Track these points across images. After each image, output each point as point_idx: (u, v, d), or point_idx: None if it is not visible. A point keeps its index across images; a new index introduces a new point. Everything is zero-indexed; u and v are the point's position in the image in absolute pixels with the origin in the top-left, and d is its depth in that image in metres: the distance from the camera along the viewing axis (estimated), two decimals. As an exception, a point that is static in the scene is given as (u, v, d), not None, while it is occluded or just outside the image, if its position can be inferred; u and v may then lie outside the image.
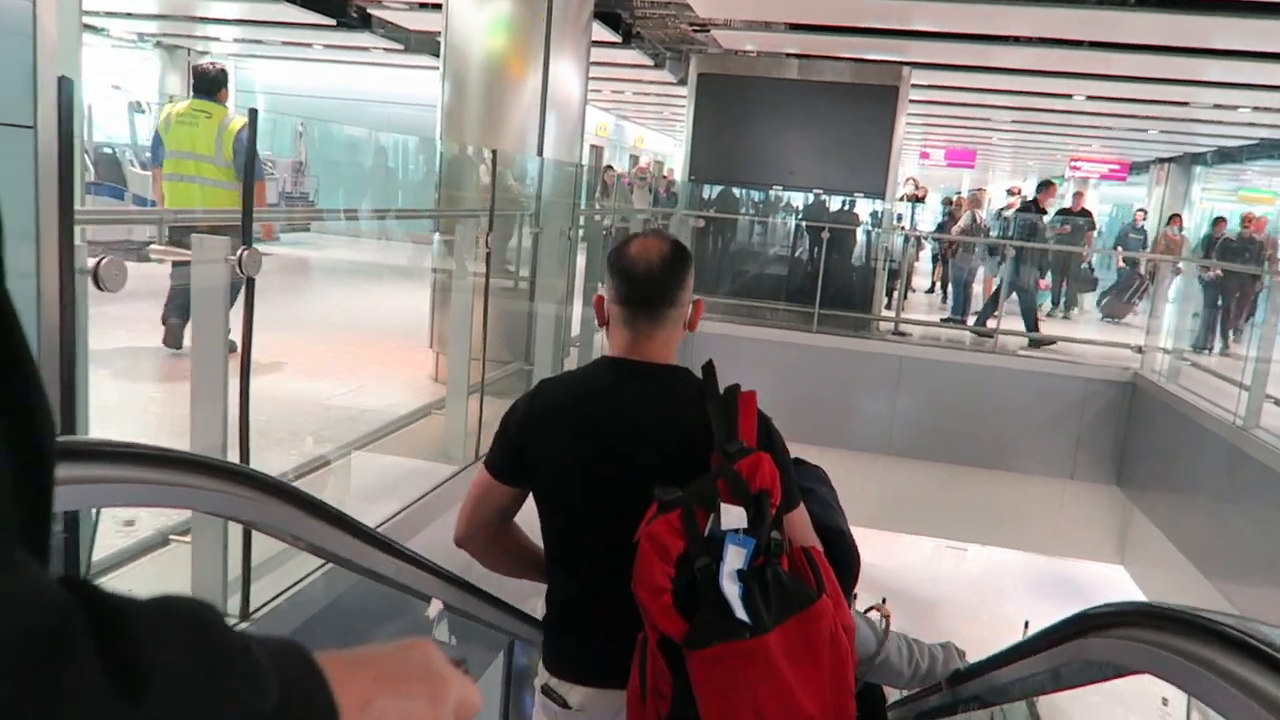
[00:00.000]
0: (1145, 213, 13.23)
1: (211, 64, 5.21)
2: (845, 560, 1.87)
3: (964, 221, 11.22)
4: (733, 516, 1.47)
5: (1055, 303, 11.98)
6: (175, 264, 4.45)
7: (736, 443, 1.56)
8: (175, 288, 4.40)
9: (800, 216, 10.40)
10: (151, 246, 2.32)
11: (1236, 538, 6.15)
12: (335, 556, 1.95)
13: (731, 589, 1.43)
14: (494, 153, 3.66)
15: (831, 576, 1.58)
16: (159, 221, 3.23)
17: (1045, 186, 9.65)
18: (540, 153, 4.95)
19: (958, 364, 8.49)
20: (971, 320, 9.81)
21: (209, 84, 4.88)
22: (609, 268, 1.72)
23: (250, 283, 2.22)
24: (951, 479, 8.74)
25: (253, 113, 2.33)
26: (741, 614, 1.42)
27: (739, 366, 8.77)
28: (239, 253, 2.16)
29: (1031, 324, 9.23)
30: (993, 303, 9.31)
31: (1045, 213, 9.78)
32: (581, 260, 5.69)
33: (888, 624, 2.13)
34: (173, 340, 4.44)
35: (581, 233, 5.84)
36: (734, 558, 1.44)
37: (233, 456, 2.28)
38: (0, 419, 0.38)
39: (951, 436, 8.49)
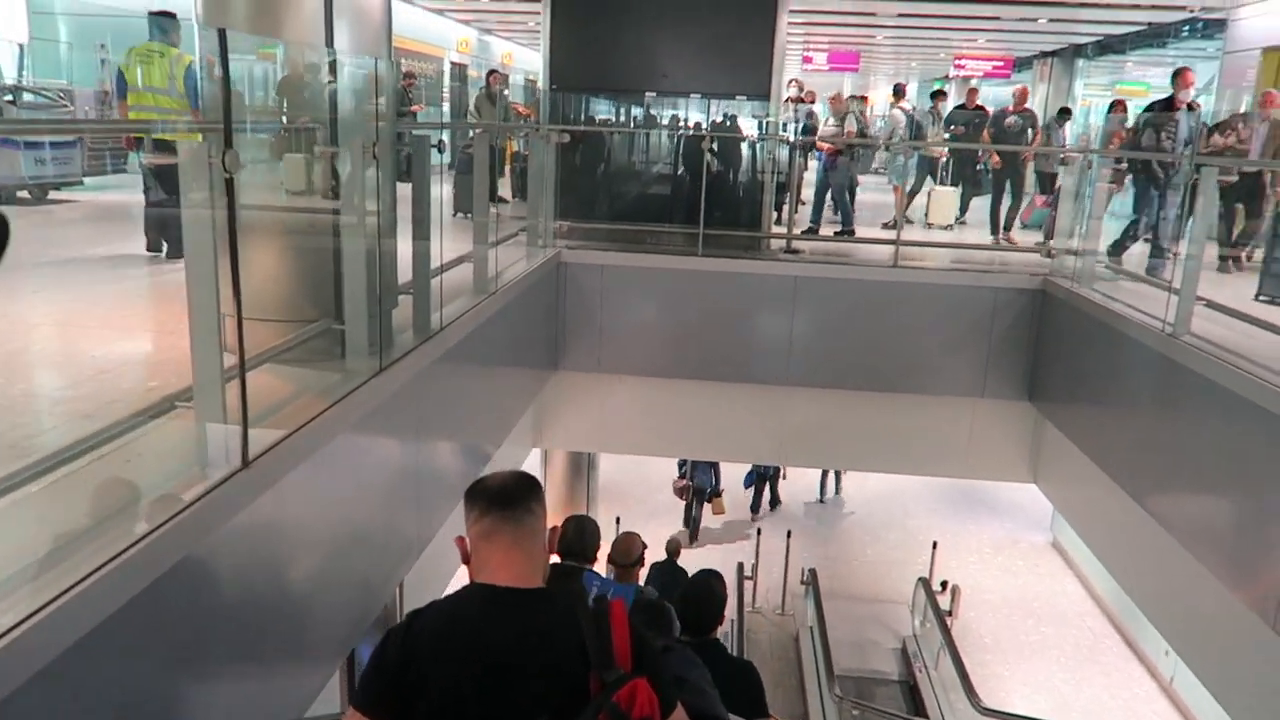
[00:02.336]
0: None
1: (163, 11, 5.79)
2: None
3: (849, 124, 10.38)
4: None
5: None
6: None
7: (614, 670, 1.64)
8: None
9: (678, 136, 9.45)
10: None
11: (1164, 452, 5.61)
12: None
13: None
14: (221, 32, 2.55)
15: None
16: None
17: (1180, 74, 7.85)
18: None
19: (858, 281, 7.73)
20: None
21: (161, 27, 5.65)
22: (466, 502, 1.85)
23: None
24: (855, 406, 8.08)
25: None
26: None
27: (620, 299, 7.81)
28: None
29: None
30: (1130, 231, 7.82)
31: (1192, 109, 7.91)
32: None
33: None
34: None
35: (406, 151, 4.75)
36: None
37: None
38: None
39: (854, 361, 7.79)
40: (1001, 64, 17.91)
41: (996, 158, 9.95)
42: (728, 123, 9.59)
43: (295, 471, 3.17)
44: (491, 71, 10.24)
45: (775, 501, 13.70)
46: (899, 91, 10.77)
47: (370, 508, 4.05)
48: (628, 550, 4.42)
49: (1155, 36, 15.94)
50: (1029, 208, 10.36)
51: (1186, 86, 7.78)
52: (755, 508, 13.43)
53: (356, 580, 3.99)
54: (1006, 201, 9.80)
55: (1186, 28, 15.40)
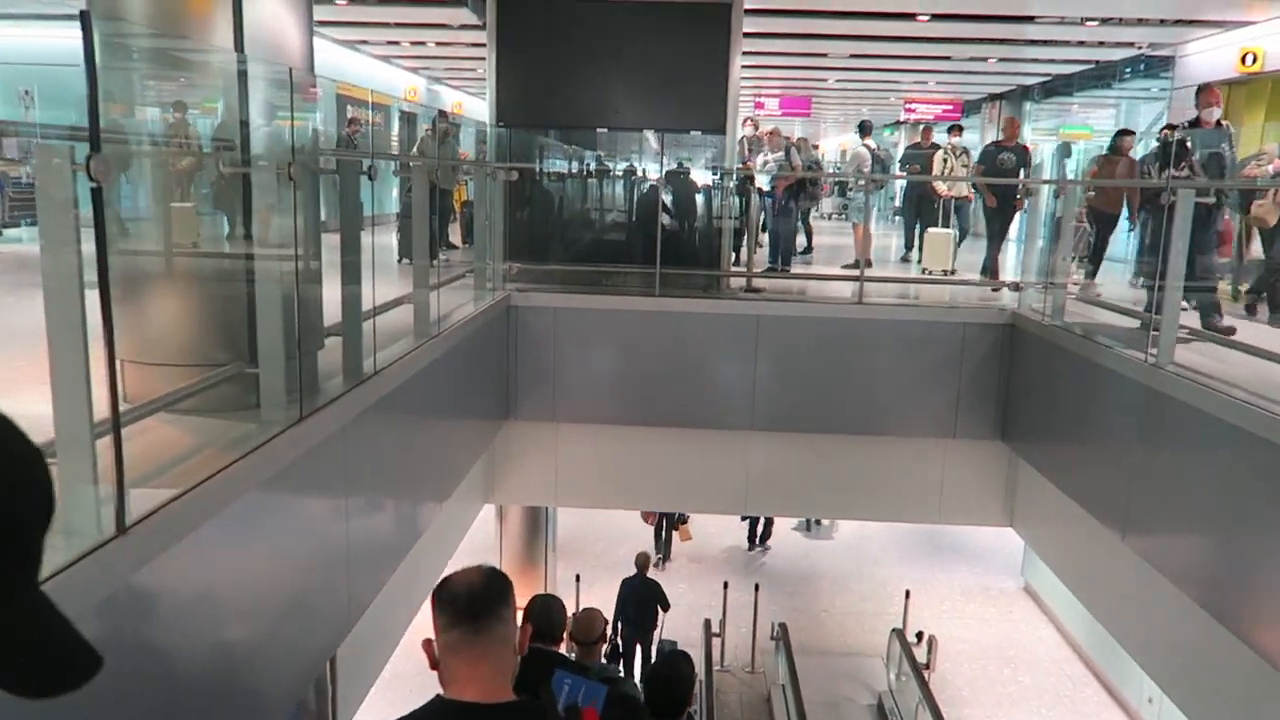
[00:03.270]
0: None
1: None
2: None
3: (794, 158, 10.08)
4: None
5: (909, 245, 11.18)
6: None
7: None
8: None
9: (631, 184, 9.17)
10: None
11: (1153, 487, 5.30)
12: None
13: None
14: (84, 15, 2.14)
15: None
16: None
17: (1205, 90, 6.99)
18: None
19: (821, 319, 7.43)
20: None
21: None
22: (433, 606, 1.80)
23: None
24: (823, 451, 7.73)
25: None
26: None
27: (573, 344, 7.39)
28: None
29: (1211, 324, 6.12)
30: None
31: (1220, 127, 6.97)
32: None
33: None
34: None
35: (335, 180, 4.36)
36: None
37: None
38: None
39: (820, 403, 7.45)
40: (951, 107, 18.07)
41: (991, 198, 9.07)
42: (682, 173, 9.33)
43: (191, 537, 2.71)
44: (440, 112, 9.88)
45: (765, 536, 13.69)
46: (865, 129, 10.61)
47: (290, 575, 3.56)
48: (589, 628, 4.33)
49: (1100, 78, 16.15)
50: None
51: (1212, 104, 6.93)
52: (753, 539, 13.51)
53: (274, 658, 3.49)
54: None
55: (1129, 68, 15.63)
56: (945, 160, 9.86)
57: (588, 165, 10.02)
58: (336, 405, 3.76)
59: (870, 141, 10.66)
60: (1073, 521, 6.24)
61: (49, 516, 0.64)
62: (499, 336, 7.11)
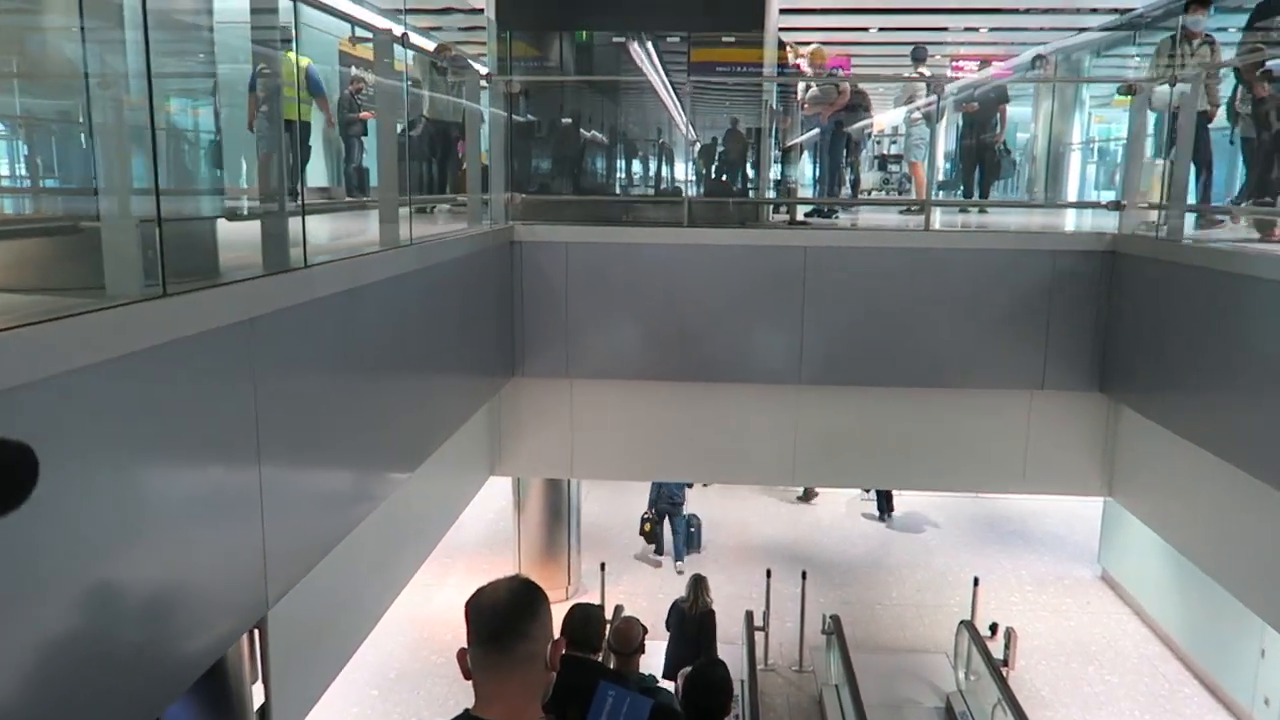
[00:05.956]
0: None
1: None
2: None
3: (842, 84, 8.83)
4: None
5: (968, 194, 9.99)
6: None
7: None
8: None
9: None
10: None
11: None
12: None
13: None
14: None
15: None
16: None
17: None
18: None
19: (882, 250, 6.25)
20: None
21: None
22: (465, 618, 1.75)
23: None
24: (883, 408, 6.58)
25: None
26: None
27: (589, 286, 6.08)
28: None
29: None
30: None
31: None
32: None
33: None
34: None
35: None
36: None
37: None
38: None
39: (880, 351, 6.29)
40: (1002, 64, 16.76)
41: (1262, 88, 5.60)
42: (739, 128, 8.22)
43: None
44: (440, 45, 8.85)
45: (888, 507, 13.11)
46: (919, 55, 9.40)
47: (148, 511, 2.46)
48: (628, 638, 4.29)
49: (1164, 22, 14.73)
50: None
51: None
52: (883, 509, 13.03)
53: (108, 630, 2.40)
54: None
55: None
56: (1175, 57, 6.73)
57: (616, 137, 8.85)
58: (234, 290, 2.67)
59: (925, 70, 9.46)
60: (1203, 481, 5.05)
61: None
62: (499, 276, 6.02)
